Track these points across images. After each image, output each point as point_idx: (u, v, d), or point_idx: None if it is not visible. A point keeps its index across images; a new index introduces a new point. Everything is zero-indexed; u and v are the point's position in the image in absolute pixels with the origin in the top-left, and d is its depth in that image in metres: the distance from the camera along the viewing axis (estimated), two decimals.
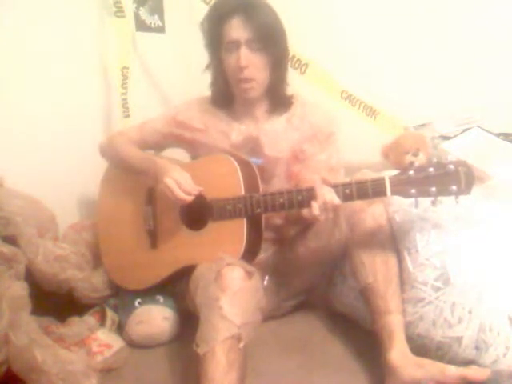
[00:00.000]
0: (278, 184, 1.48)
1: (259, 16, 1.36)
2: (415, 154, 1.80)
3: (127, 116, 1.91)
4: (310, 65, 1.91)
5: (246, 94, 1.43)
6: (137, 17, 2.03)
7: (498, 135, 1.76)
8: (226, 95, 1.49)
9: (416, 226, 1.33)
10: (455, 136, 1.79)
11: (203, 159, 1.48)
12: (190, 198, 1.35)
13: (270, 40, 1.38)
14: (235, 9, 1.36)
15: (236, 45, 1.36)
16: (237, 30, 1.36)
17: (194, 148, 1.52)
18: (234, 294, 1.16)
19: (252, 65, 1.37)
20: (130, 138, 1.57)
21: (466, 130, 1.80)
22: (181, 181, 1.34)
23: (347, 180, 1.28)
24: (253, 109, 1.49)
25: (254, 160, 1.44)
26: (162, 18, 2.13)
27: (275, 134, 1.47)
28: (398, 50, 2.04)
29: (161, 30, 2.14)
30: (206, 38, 1.44)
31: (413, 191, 1.18)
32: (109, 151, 1.59)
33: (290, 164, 1.49)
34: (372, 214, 1.35)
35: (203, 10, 1.77)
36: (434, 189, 1.16)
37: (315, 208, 1.24)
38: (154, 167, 1.41)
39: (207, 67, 1.48)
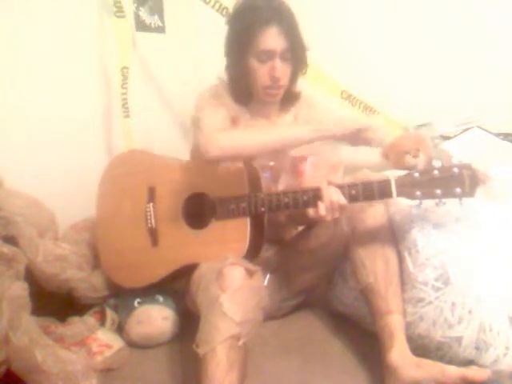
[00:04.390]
0: (286, 182, 1.49)
1: (292, 26, 1.39)
2: (415, 155, 1.80)
3: (127, 116, 1.91)
4: (310, 65, 1.91)
5: (270, 99, 1.47)
6: (137, 17, 2.03)
7: (498, 135, 1.76)
8: (246, 95, 1.50)
9: (416, 226, 1.33)
10: (455, 136, 1.79)
11: None
12: None
13: (300, 50, 1.42)
14: (271, 18, 1.36)
15: (270, 54, 1.38)
16: (273, 40, 1.37)
17: None
18: (234, 292, 1.16)
19: (284, 74, 1.41)
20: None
21: (465, 129, 1.80)
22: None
23: (353, 181, 1.28)
24: (268, 108, 1.51)
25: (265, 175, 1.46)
26: (161, 18, 2.13)
27: None
28: (398, 50, 2.04)
29: (161, 30, 2.14)
30: (233, 41, 1.44)
31: (418, 193, 1.18)
32: (239, 145, 1.36)
33: (297, 162, 1.50)
34: (373, 214, 1.35)
35: (203, 10, 1.78)
36: (438, 191, 1.17)
37: (321, 208, 1.24)
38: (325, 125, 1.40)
39: (227, 68, 1.48)
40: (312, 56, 1.89)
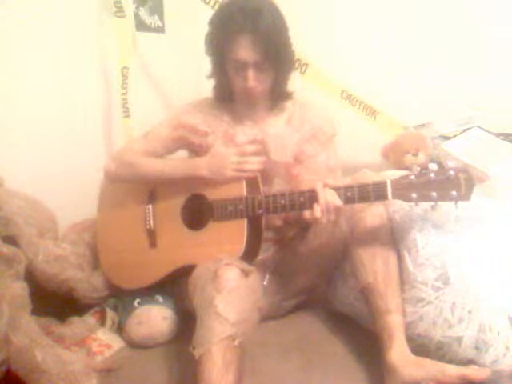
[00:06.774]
0: (279, 186, 1.48)
1: (269, 37, 1.33)
2: (415, 154, 1.81)
3: (127, 116, 1.91)
4: (310, 65, 1.91)
5: (251, 100, 1.46)
6: (137, 17, 2.03)
7: (498, 135, 1.76)
8: (229, 96, 1.50)
9: (416, 226, 1.33)
10: (455, 136, 1.79)
11: None
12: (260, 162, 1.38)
13: (278, 59, 1.38)
14: (244, 27, 1.32)
15: (243, 64, 1.36)
16: (245, 50, 1.33)
17: (202, 151, 1.49)
18: (230, 293, 1.17)
19: (260, 82, 1.39)
20: (138, 151, 1.53)
21: (465, 130, 1.80)
22: (239, 156, 1.37)
23: (348, 182, 1.28)
24: (254, 109, 1.50)
25: None
26: (161, 18, 2.13)
27: (280, 139, 1.48)
28: (398, 50, 2.04)
29: (161, 30, 2.14)
30: (210, 47, 1.43)
31: (414, 195, 1.19)
32: (123, 171, 1.52)
33: (291, 166, 1.49)
34: (372, 213, 1.35)
35: (203, 10, 1.78)
36: (434, 194, 1.17)
37: (317, 210, 1.24)
38: (195, 165, 1.42)
39: (211, 75, 1.49)
40: (312, 56, 1.91)
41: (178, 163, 1.48)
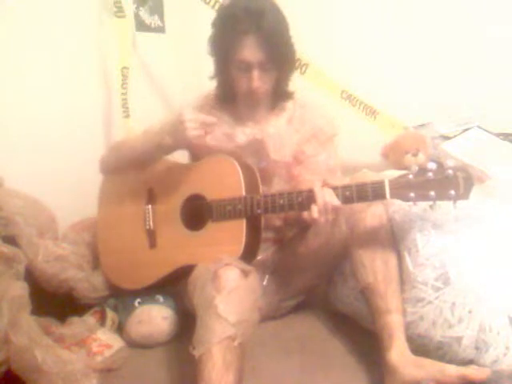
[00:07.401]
0: (279, 186, 1.48)
1: (273, 37, 1.33)
2: (415, 154, 1.81)
3: (127, 116, 1.91)
4: (310, 65, 1.91)
5: (253, 102, 1.47)
6: (137, 17, 2.04)
7: (498, 135, 1.76)
8: (231, 97, 1.50)
9: (416, 226, 1.33)
10: (455, 136, 1.79)
11: (204, 160, 1.48)
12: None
13: (282, 59, 1.39)
14: (249, 28, 1.32)
15: (248, 65, 1.36)
16: (249, 51, 1.34)
17: (200, 150, 1.49)
18: (229, 293, 1.16)
19: (264, 83, 1.40)
20: None
21: (466, 130, 1.80)
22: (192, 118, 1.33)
23: (347, 182, 1.29)
24: (256, 109, 1.50)
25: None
26: (161, 18, 2.13)
27: (280, 138, 1.48)
28: (398, 50, 2.05)
29: (161, 30, 2.14)
30: (214, 49, 1.43)
31: (412, 195, 1.19)
32: (112, 157, 1.56)
33: (291, 166, 1.49)
34: (372, 213, 1.35)
35: (203, 10, 1.79)
36: (432, 193, 1.17)
37: (314, 211, 1.24)
38: (161, 135, 1.38)
39: (214, 76, 1.48)
40: (312, 56, 1.91)
41: (149, 137, 1.44)
